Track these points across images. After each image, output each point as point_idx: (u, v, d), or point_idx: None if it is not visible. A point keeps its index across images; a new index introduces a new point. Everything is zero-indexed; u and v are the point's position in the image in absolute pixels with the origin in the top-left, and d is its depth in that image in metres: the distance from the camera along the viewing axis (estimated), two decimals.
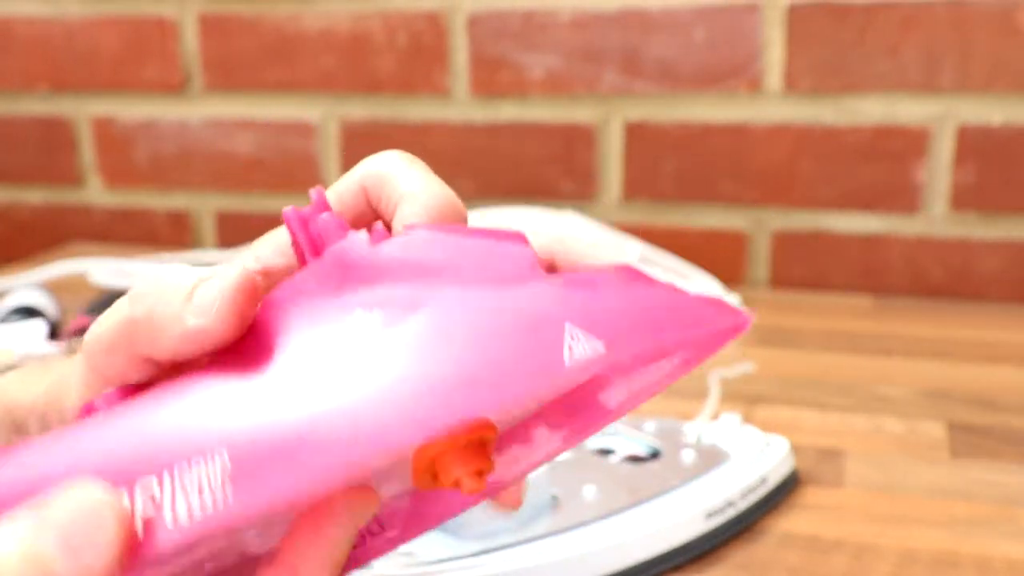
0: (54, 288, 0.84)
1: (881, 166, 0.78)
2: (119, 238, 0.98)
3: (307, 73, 0.89)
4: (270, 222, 0.94)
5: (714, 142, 0.81)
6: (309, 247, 0.23)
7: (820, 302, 0.77)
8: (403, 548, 0.38)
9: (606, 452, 0.48)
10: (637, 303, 0.20)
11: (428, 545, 0.38)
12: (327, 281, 0.21)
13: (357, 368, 0.19)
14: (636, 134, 0.82)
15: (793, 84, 0.78)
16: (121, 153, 0.96)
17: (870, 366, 0.64)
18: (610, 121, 0.82)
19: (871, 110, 0.77)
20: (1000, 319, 0.73)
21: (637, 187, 0.83)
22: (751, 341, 0.68)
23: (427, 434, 0.18)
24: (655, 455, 0.47)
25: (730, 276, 0.83)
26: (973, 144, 0.76)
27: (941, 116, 0.76)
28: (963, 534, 0.43)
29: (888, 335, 0.69)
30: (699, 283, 0.72)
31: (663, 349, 0.20)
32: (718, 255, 0.83)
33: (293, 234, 0.23)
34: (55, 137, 0.97)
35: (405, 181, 0.24)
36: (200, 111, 0.92)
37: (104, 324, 0.22)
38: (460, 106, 0.85)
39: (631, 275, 0.21)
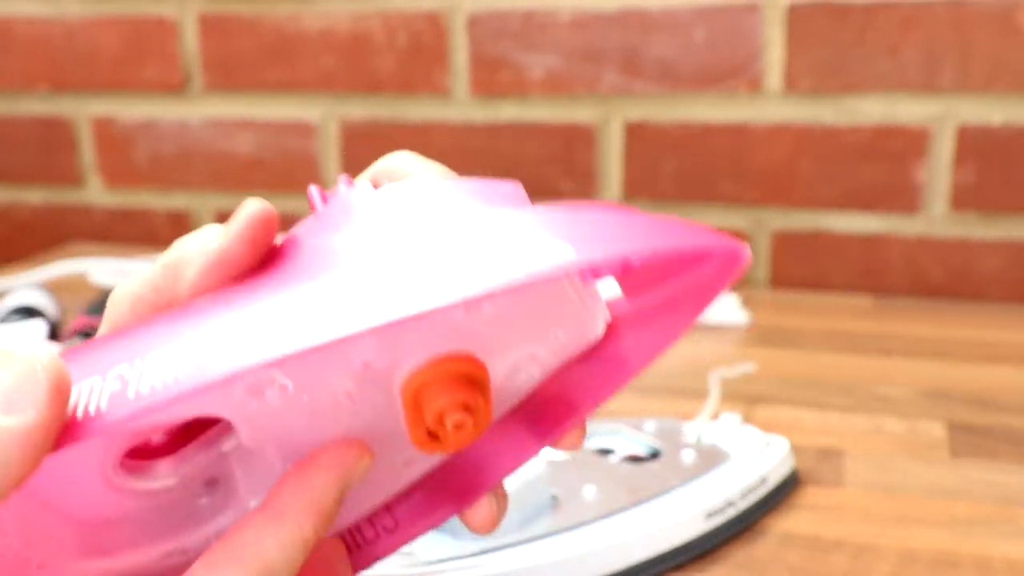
0: (54, 288, 0.84)
1: (881, 166, 0.78)
2: (119, 238, 0.98)
3: (307, 73, 0.89)
4: None
5: (714, 142, 0.81)
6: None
7: (820, 302, 0.77)
8: (403, 548, 0.38)
9: (606, 452, 0.48)
10: (613, 219, 0.21)
11: (428, 545, 0.38)
12: (333, 219, 0.23)
13: (341, 260, 0.21)
14: (636, 134, 0.82)
15: (793, 84, 0.78)
16: (121, 153, 0.96)
17: (870, 366, 0.64)
18: (610, 121, 0.82)
19: (871, 110, 0.77)
20: (1000, 319, 0.73)
21: (637, 187, 0.83)
22: (751, 341, 0.68)
23: (399, 315, 0.19)
24: (655, 455, 0.47)
25: None
26: (973, 144, 0.76)
27: (941, 116, 0.76)
28: (963, 534, 0.43)
29: (888, 335, 0.69)
30: None
31: (634, 255, 0.20)
32: None
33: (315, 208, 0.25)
34: (55, 137, 0.97)
35: (416, 173, 0.25)
36: (200, 111, 0.92)
37: (130, 280, 0.23)
38: (460, 106, 0.85)
39: (615, 205, 0.22)
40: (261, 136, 0.91)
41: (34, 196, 1.00)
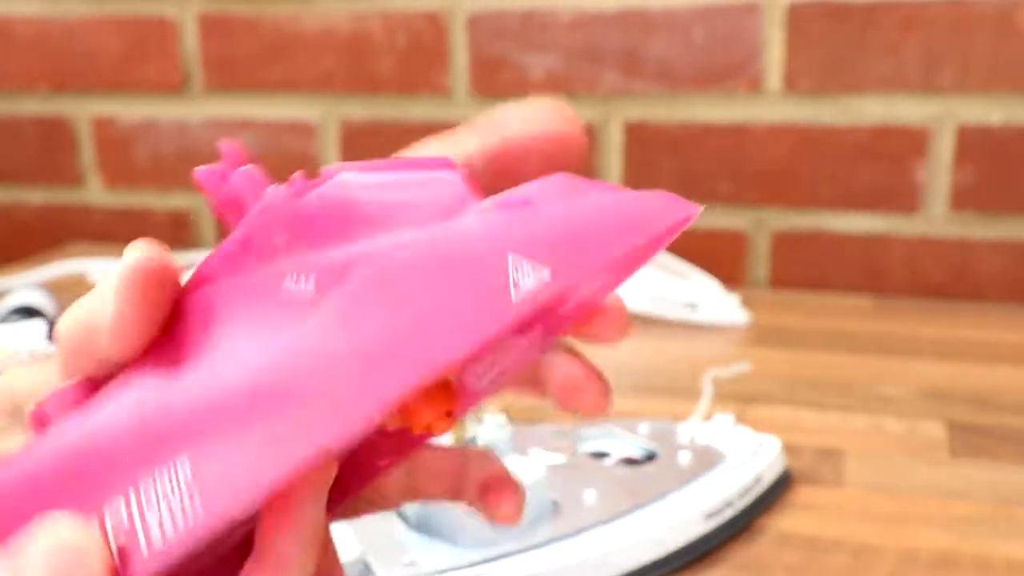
0: (54, 288, 0.84)
1: (881, 166, 0.78)
2: (119, 238, 0.98)
3: (307, 73, 0.89)
4: None
5: (714, 142, 0.81)
6: (227, 209, 0.21)
7: (820, 302, 0.77)
8: (404, 558, 0.38)
9: (601, 455, 0.48)
10: (578, 217, 0.19)
11: (429, 554, 0.38)
12: (250, 250, 0.20)
13: (298, 349, 0.18)
14: (636, 134, 0.82)
15: (793, 84, 0.78)
16: (121, 153, 0.96)
17: (870, 366, 0.64)
18: (610, 121, 0.82)
19: (871, 110, 0.77)
20: (1000, 319, 0.73)
21: (637, 187, 0.83)
22: (751, 341, 0.68)
23: (383, 404, 0.18)
24: (651, 457, 0.47)
25: (730, 276, 0.83)
26: (973, 144, 0.76)
27: (941, 116, 0.76)
28: (963, 534, 0.43)
29: (888, 335, 0.69)
30: (699, 283, 0.72)
31: (611, 261, 0.18)
32: (718, 255, 0.83)
33: (209, 197, 0.22)
34: (55, 137, 0.97)
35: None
36: (200, 111, 0.92)
37: (65, 324, 0.21)
38: (460, 106, 0.85)
39: (567, 185, 0.20)
40: (261, 136, 0.91)
41: (34, 196, 1.00)
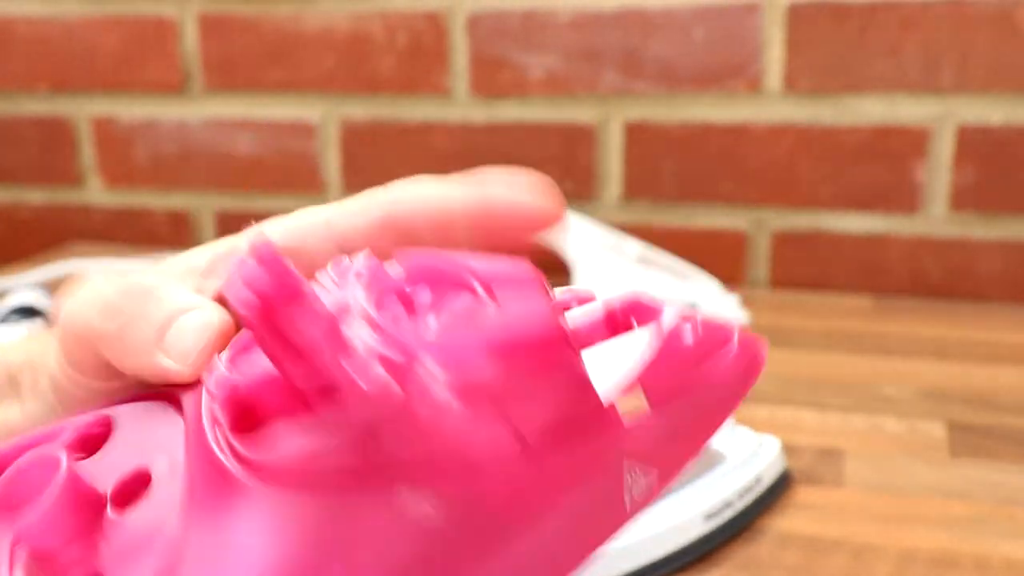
0: (54, 288, 0.84)
1: (881, 166, 0.78)
2: (119, 238, 0.98)
3: (307, 73, 0.89)
4: None
5: (714, 142, 0.81)
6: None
7: (820, 302, 0.77)
8: None
9: None
10: (684, 406, 0.17)
11: None
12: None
13: None
14: (636, 134, 0.82)
15: (793, 84, 0.78)
16: (121, 153, 0.96)
17: (870, 366, 0.64)
18: (610, 121, 0.82)
19: (871, 110, 0.77)
20: (1000, 319, 0.73)
21: (637, 187, 0.83)
22: None
23: None
24: None
25: (730, 276, 0.83)
26: (973, 144, 0.76)
27: (941, 116, 0.76)
28: (962, 534, 0.43)
29: (888, 335, 0.69)
30: (699, 283, 0.72)
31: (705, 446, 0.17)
32: (718, 255, 0.83)
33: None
34: (55, 137, 0.97)
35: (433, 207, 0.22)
36: (200, 111, 0.92)
37: (77, 317, 0.20)
38: (460, 106, 0.85)
39: (663, 340, 0.18)
40: (261, 136, 0.91)
41: (34, 196, 1.00)
